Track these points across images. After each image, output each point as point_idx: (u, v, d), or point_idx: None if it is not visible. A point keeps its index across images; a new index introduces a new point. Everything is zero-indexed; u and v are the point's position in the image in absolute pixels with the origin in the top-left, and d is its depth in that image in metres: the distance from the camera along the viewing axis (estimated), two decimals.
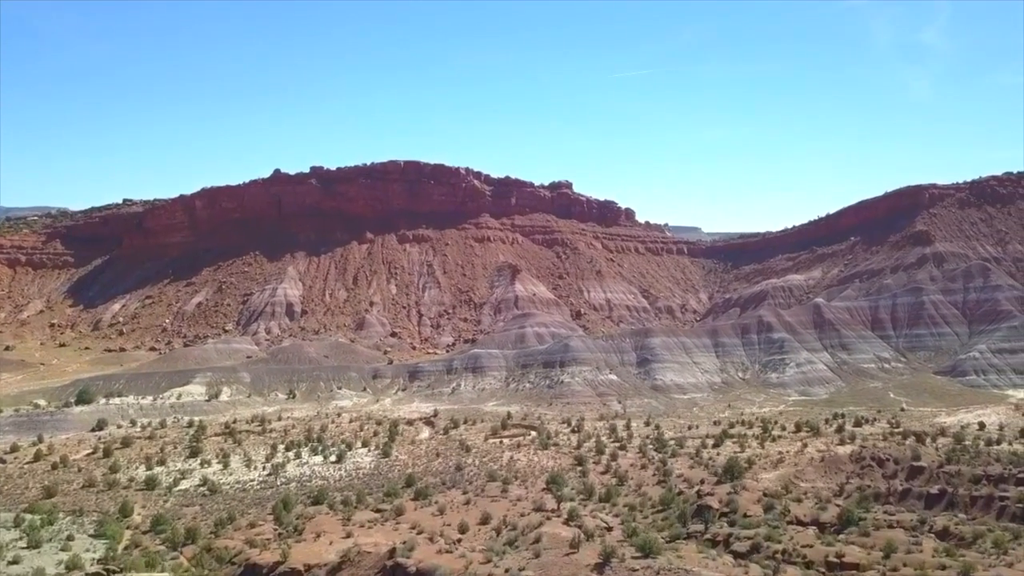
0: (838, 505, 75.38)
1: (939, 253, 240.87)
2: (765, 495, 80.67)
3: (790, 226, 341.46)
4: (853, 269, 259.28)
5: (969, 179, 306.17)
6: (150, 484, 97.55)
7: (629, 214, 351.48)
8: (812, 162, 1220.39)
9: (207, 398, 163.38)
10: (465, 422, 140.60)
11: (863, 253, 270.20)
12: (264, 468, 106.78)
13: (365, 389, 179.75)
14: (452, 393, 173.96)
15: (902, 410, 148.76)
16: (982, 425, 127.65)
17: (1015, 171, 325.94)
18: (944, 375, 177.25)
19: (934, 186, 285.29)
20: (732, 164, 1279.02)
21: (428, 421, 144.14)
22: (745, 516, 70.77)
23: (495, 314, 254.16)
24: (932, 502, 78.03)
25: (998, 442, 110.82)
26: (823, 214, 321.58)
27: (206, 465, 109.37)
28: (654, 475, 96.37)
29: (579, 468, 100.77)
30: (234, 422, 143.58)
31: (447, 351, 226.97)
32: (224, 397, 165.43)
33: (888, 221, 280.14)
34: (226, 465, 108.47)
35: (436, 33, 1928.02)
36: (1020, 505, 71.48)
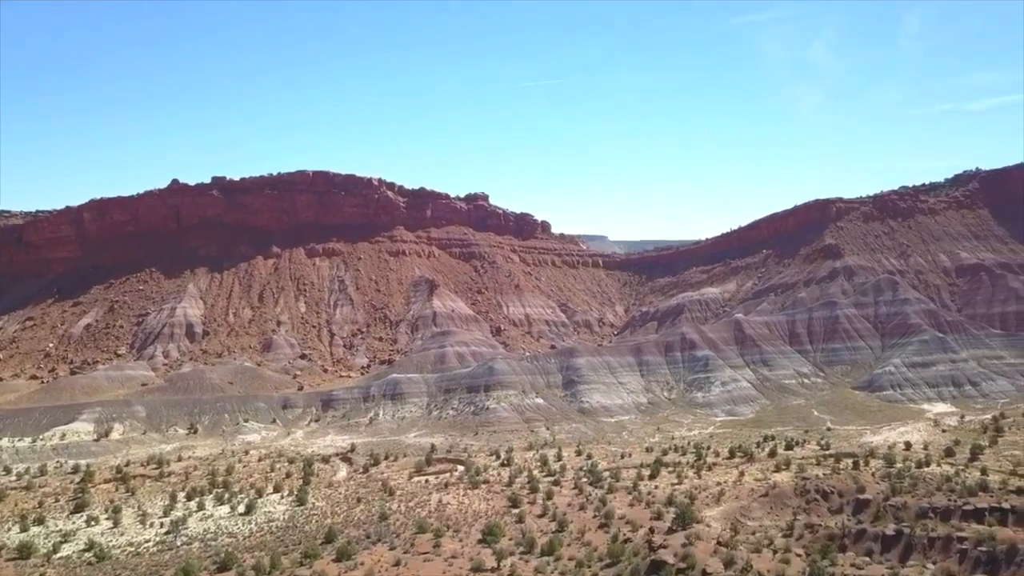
0: (799, 555, 71.16)
1: (849, 267, 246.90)
2: (720, 544, 75.85)
3: (701, 238, 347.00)
4: (767, 282, 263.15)
5: (871, 193, 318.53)
6: (24, 552, 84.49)
7: (545, 226, 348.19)
8: (718, 174, 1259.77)
9: (96, 437, 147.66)
10: (386, 457, 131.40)
11: (776, 266, 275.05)
12: (162, 524, 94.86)
13: (274, 421, 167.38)
14: (370, 424, 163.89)
15: (828, 429, 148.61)
16: (908, 445, 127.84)
17: (911, 185, 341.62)
18: (862, 390, 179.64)
19: (840, 200, 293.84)
20: (636, 173, 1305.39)
21: (345, 457, 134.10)
22: (705, 574, 65.48)
23: (412, 332, 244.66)
24: (889, 544, 74.79)
25: (927, 463, 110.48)
26: (735, 226, 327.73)
27: (93, 523, 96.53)
28: (595, 516, 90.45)
29: (514, 511, 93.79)
30: (127, 465, 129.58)
31: (362, 373, 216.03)
32: (115, 435, 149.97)
33: (798, 234, 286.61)
34: (117, 522, 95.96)
35: (344, 38, 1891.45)
36: (981, 549, 68.90)
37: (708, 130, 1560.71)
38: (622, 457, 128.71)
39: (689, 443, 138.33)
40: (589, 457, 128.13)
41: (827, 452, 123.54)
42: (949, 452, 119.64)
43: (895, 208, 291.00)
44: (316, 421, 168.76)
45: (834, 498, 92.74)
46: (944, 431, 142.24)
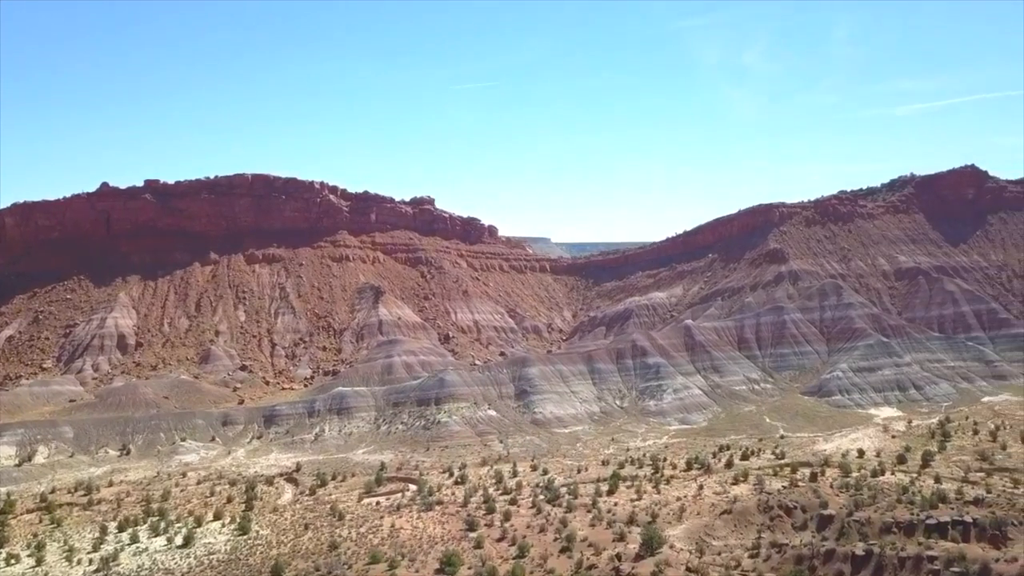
0: None
1: (794, 271, 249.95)
2: (689, 570, 73.33)
3: (645, 241, 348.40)
4: (714, 287, 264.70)
5: (812, 198, 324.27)
6: None
7: (492, 231, 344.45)
8: (660, 177, 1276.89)
9: (18, 462, 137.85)
10: (334, 477, 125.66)
11: (722, 270, 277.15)
12: (90, 561, 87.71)
13: (214, 439, 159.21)
14: (315, 440, 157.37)
15: (782, 437, 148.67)
16: (861, 453, 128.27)
17: (850, 189, 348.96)
18: (811, 395, 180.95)
19: (783, 205, 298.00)
20: (577, 175, 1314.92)
21: (290, 478, 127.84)
22: None
23: (357, 341, 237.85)
24: (859, 565, 73.36)
25: (882, 471, 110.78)
26: (679, 230, 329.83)
27: (13, 561, 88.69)
28: (556, 540, 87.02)
29: (472, 535, 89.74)
30: (52, 492, 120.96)
31: (305, 385, 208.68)
32: (40, 459, 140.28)
33: (743, 239, 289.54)
34: (40, 560, 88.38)
35: (283, 38, 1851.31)
36: (953, 570, 67.84)
37: (647, 135, 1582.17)
38: (578, 472, 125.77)
39: (645, 455, 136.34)
40: (545, 472, 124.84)
41: (783, 462, 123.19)
42: (901, 459, 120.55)
43: (836, 213, 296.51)
44: (258, 438, 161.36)
45: (797, 513, 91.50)
46: (894, 436, 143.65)
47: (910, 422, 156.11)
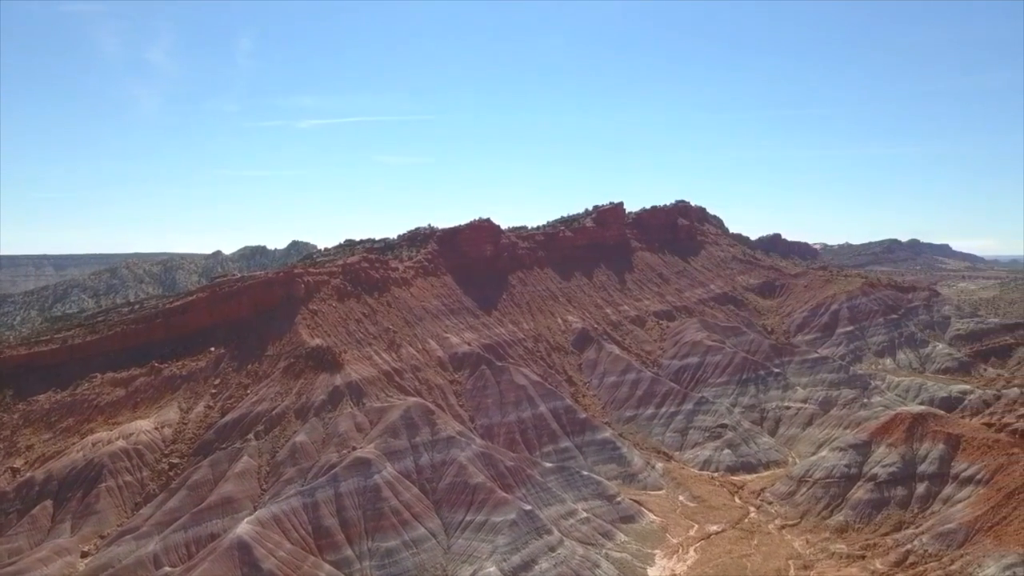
0: None
1: (354, 383, 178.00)
2: None
3: (95, 324, 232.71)
4: (235, 409, 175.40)
5: (336, 256, 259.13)
6: None
7: None
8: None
9: None
10: None
11: (239, 376, 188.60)
12: None
13: None
14: None
15: None
16: None
17: (359, 239, 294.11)
18: None
19: (308, 271, 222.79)
20: None
21: None
22: None
23: None
24: None
25: None
26: (158, 303, 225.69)
27: None
28: None
29: None
30: None
31: None
32: None
33: (259, 323, 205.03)
34: None
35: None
36: None
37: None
38: None
39: None
40: None
41: None
42: None
43: (369, 280, 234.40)
44: None
45: None
46: None
47: None
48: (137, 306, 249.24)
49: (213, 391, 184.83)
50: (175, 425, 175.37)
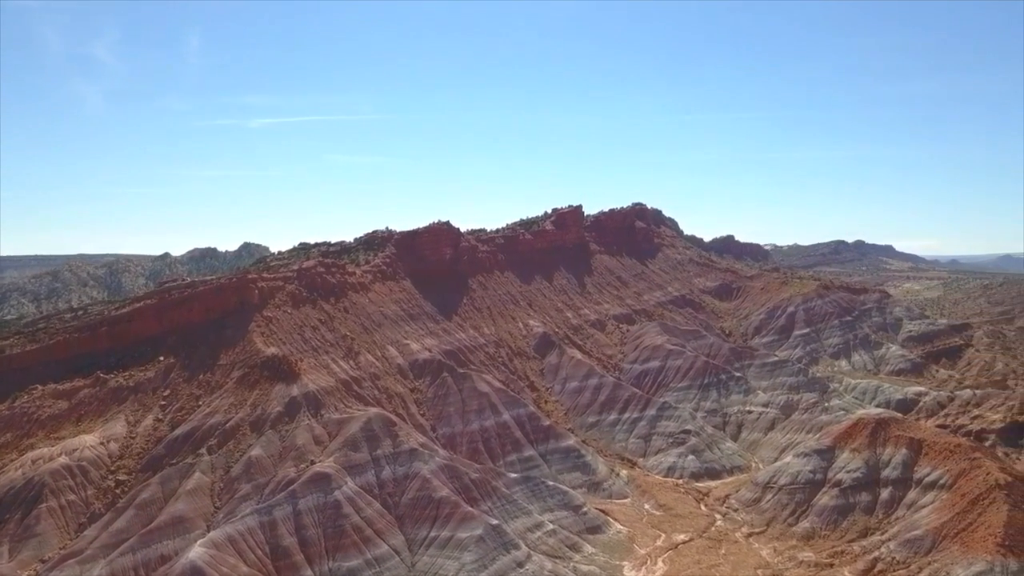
0: None
1: (312, 394, 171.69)
2: None
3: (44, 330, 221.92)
4: (185, 421, 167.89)
5: (284, 250, 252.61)
6: None
7: None
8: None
9: None
10: None
11: (190, 387, 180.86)
12: None
13: None
14: None
15: None
16: None
17: (315, 242, 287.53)
18: None
19: (262, 276, 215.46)
20: None
21: None
22: None
23: None
24: None
25: None
26: (102, 311, 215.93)
27: None
28: None
29: None
30: None
31: None
32: None
33: (212, 330, 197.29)
34: None
35: None
36: None
37: None
38: None
39: None
40: None
41: None
42: None
43: (325, 284, 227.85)
44: None
45: None
46: None
47: None
48: (81, 312, 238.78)
49: (162, 403, 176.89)
50: (122, 439, 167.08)
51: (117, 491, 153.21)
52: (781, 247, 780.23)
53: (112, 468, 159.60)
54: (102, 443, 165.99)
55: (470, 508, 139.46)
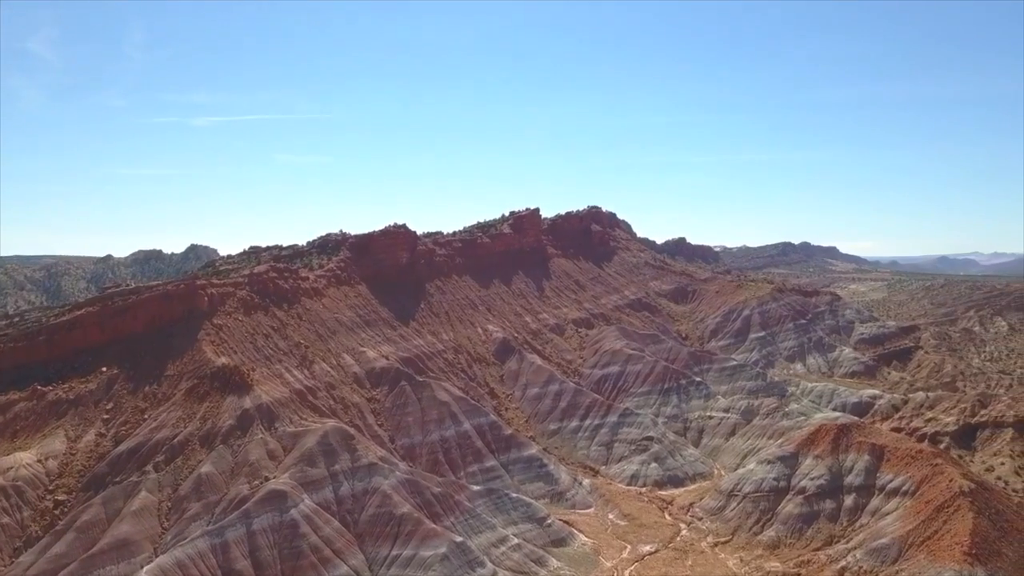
0: None
1: (265, 406, 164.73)
2: None
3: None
4: (129, 436, 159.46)
5: (233, 253, 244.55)
6: None
7: None
8: None
9: None
10: None
11: (135, 399, 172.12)
12: None
13: None
14: None
15: None
16: None
17: (266, 246, 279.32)
18: None
19: (211, 281, 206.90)
20: None
21: None
22: None
23: None
24: None
25: None
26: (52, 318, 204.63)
27: None
28: None
29: None
30: None
31: None
32: None
33: (156, 339, 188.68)
34: None
35: None
36: None
37: None
38: None
39: None
40: None
41: None
42: None
43: (277, 291, 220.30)
44: None
45: None
46: None
47: None
48: (17, 319, 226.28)
49: (105, 417, 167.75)
50: (61, 456, 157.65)
51: (56, 512, 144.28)
52: (731, 248, 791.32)
53: (50, 488, 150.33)
54: (39, 460, 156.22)
55: (433, 525, 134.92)
